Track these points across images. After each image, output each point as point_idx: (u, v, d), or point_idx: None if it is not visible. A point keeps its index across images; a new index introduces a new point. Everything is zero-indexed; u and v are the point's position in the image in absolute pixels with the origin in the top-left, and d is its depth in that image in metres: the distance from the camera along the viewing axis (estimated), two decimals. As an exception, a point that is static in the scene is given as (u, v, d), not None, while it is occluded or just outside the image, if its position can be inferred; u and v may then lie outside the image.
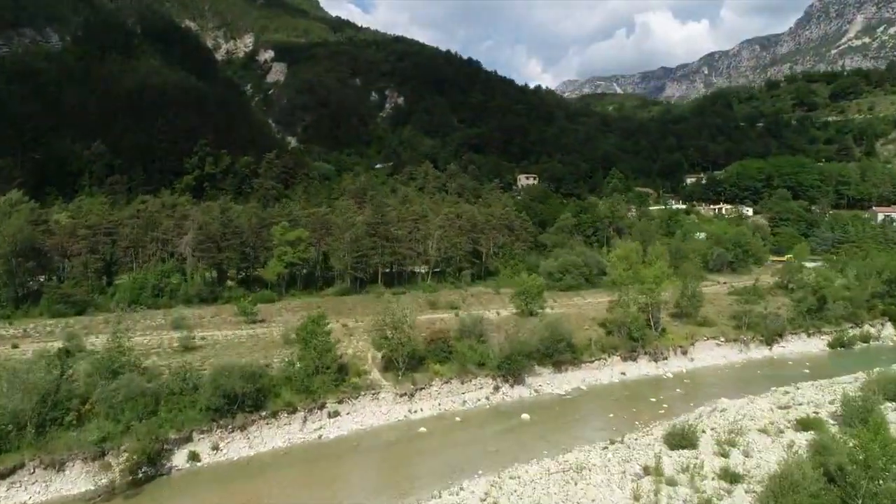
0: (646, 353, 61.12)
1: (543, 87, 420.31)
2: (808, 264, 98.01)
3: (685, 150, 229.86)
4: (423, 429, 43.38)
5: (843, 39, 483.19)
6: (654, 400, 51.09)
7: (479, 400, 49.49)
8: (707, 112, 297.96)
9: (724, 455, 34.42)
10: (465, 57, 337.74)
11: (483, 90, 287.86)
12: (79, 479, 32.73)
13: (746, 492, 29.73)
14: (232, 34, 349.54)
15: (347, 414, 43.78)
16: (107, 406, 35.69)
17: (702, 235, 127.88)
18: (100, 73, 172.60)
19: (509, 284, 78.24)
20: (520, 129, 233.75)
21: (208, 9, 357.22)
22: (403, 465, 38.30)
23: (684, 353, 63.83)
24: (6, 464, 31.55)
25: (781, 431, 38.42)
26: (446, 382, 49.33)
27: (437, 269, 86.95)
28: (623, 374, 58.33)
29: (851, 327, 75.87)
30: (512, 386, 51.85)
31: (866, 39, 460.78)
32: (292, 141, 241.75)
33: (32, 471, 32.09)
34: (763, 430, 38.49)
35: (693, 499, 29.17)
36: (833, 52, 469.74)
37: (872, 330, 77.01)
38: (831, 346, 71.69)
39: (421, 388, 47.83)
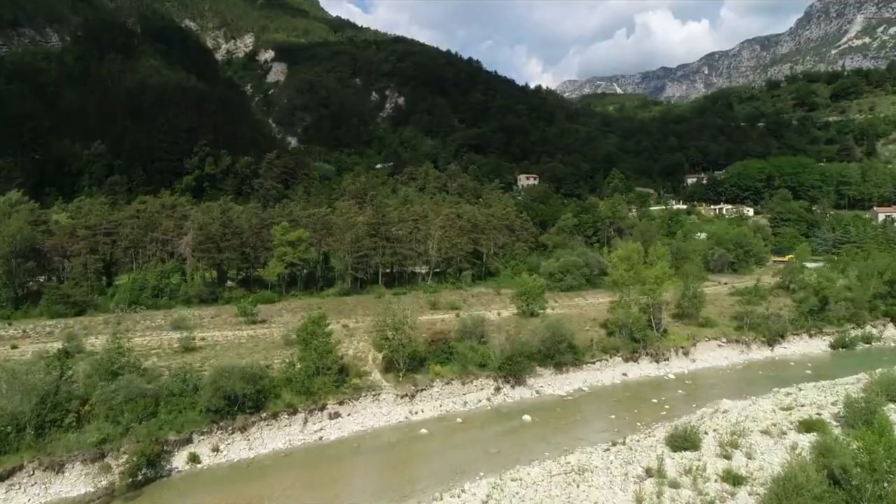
0: (647, 354, 60.96)
1: (544, 87, 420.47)
2: (810, 265, 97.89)
3: (686, 151, 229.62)
4: (424, 430, 43.19)
5: (844, 39, 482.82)
6: (655, 401, 50.87)
7: (480, 401, 49.31)
8: (708, 112, 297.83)
9: (727, 457, 34.16)
10: (465, 57, 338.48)
11: (484, 90, 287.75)
12: (78, 481, 32.54)
13: (750, 494, 29.50)
14: (232, 34, 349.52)
15: (348, 415, 43.59)
16: (106, 407, 35.53)
17: (702, 236, 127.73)
18: (99, 73, 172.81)
19: (510, 285, 78.14)
20: (520, 130, 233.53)
21: (208, 9, 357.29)
22: (404, 467, 38.07)
23: (686, 353, 63.65)
24: (5, 466, 31.38)
25: (784, 433, 38.14)
26: (447, 383, 49.16)
27: (438, 270, 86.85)
28: (624, 374, 58.15)
29: (853, 328, 75.64)
30: (513, 387, 51.67)
31: (866, 39, 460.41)
32: (292, 141, 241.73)
33: (31, 473, 31.91)
34: (765, 432, 38.23)
35: (696, 501, 28.94)
36: (833, 52, 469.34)
37: (874, 331, 76.76)
38: (833, 346, 71.50)
39: (422, 390, 47.65)
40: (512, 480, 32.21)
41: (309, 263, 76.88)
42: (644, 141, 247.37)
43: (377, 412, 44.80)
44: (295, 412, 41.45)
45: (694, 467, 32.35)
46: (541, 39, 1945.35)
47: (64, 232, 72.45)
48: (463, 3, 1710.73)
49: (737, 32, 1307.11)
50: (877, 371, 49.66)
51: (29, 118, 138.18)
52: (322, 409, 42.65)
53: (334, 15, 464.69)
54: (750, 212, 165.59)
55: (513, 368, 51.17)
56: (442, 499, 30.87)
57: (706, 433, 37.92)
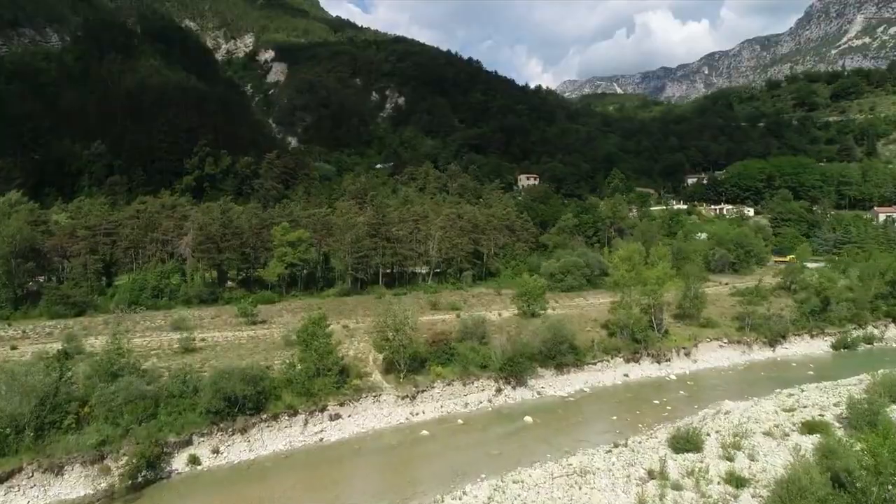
0: (648, 355, 60.81)
1: (544, 87, 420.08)
2: (810, 265, 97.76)
3: (686, 151, 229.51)
4: (425, 431, 43.02)
5: (844, 39, 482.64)
6: (657, 402, 50.71)
7: (481, 402, 49.15)
8: (708, 112, 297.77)
9: (730, 458, 34.01)
10: (465, 57, 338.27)
11: (484, 90, 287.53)
12: (78, 483, 32.35)
13: (753, 496, 29.34)
14: (232, 34, 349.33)
15: (349, 417, 43.43)
16: (106, 409, 35.35)
17: (703, 236, 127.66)
18: (99, 73, 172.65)
19: (511, 285, 78.00)
20: (521, 130, 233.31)
21: (208, 9, 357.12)
22: (405, 469, 37.92)
23: (687, 354, 63.49)
24: (4, 468, 31.19)
25: (787, 434, 38.00)
26: (448, 384, 48.99)
27: (438, 270, 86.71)
28: (626, 375, 57.98)
29: (855, 328, 75.53)
30: (514, 388, 51.50)
31: (867, 39, 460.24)
32: (293, 141, 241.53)
33: (31, 475, 31.72)
34: (768, 433, 38.10)
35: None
36: (833, 52, 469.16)
37: (876, 331, 76.61)
38: (835, 347, 71.35)
39: (423, 391, 47.48)
40: (513, 482, 32.06)
41: (309, 264, 76.74)
42: (644, 141, 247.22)
43: (378, 413, 44.63)
44: (295, 413, 41.28)
45: (696, 469, 32.19)
46: (541, 39, 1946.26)
47: (64, 232, 72.32)
48: (463, 3, 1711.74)
49: (737, 32, 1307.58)
50: (879, 372, 49.45)
51: (29, 118, 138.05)
52: (322, 410, 42.48)
53: (334, 15, 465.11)
54: (750, 212, 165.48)
55: (514, 369, 51.00)
56: (443, 501, 30.71)
57: (708, 435, 37.79)
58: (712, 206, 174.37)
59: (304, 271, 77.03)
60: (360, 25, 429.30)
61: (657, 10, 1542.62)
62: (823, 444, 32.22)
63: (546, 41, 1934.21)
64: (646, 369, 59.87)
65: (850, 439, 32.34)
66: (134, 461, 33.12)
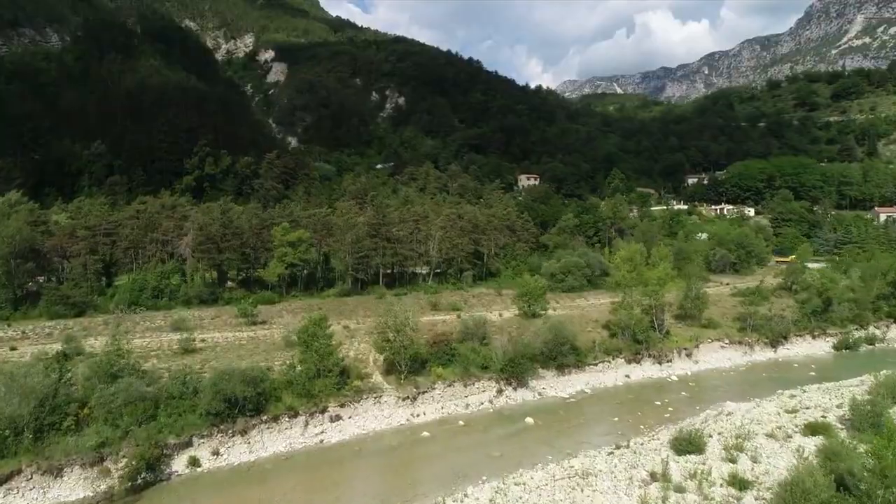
0: (650, 356, 60.67)
1: (544, 87, 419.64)
2: (812, 265, 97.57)
3: (686, 151, 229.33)
4: (425, 433, 42.87)
5: (844, 39, 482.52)
6: (659, 403, 50.56)
7: (482, 403, 48.99)
8: (708, 112, 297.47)
9: (732, 460, 33.84)
10: (465, 57, 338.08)
11: (484, 90, 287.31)
12: (77, 485, 32.21)
13: (756, 499, 29.16)
14: (232, 34, 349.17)
15: (349, 418, 43.27)
16: (105, 410, 35.19)
17: (704, 236, 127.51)
18: (99, 73, 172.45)
19: (511, 286, 77.84)
20: (521, 130, 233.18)
21: (208, 9, 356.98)
22: (406, 471, 37.77)
23: (689, 355, 63.32)
24: (3, 470, 31.04)
25: (789, 436, 37.82)
26: (449, 386, 48.83)
27: (439, 271, 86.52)
28: (627, 376, 57.82)
29: (856, 329, 75.38)
30: (515, 389, 51.33)
31: (867, 39, 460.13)
32: (293, 141, 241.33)
33: (30, 477, 31.58)
34: (771, 435, 37.92)
35: (702, 506, 28.63)
36: (833, 52, 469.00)
37: (877, 332, 76.49)
38: (836, 348, 71.21)
39: (423, 392, 47.33)
40: (515, 485, 31.89)
41: (309, 264, 76.58)
42: (644, 141, 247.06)
43: (378, 415, 44.48)
44: (296, 415, 41.14)
45: (699, 471, 32.02)
46: (541, 39, 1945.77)
47: (63, 232, 72.14)
48: (463, 3, 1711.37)
49: (737, 32, 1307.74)
50: (881, 373, 49.20)
51: (29, 118, 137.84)
52: (323, 411, 42.33)
53: (334, 15, 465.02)
54: (751, 212, 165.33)
55: (515, 370, 50.83)
56: (444, 503, 30.55)
57: (711, 436, 37.62)
58: (713, 207, 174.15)
59: (305, 271, 76.86)
60: (360, 25, 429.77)
61: (657, 10, 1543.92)
62: (826, 446, 32.08)
63: (546, 41, 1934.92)
64: (647, 370, 59.71)
65: (854, 441, 32.19)
66: (133, 463, 32.97)
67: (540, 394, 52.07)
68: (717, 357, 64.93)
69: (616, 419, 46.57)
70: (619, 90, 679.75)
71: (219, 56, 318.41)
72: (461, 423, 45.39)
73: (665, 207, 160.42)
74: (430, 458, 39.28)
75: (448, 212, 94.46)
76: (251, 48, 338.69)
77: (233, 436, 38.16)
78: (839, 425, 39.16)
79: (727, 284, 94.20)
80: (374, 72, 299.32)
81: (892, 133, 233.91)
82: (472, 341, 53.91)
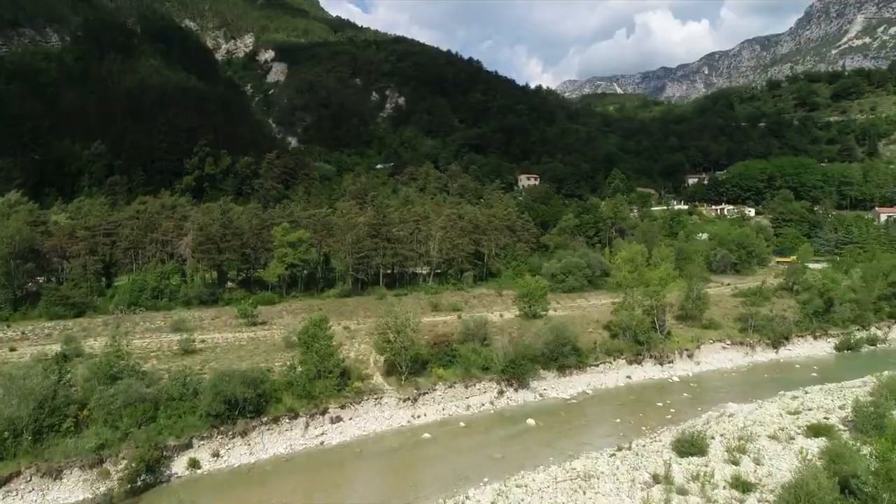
0: (651, 357, 60.50)
1: (544, 87, 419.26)
2: (813, 266, 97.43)
3: (687, 151, 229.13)
4: (426, 434, 42.70)
5: (844, 39, 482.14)
6: (660, 404, 50.41)
7: (483, 405, 48.82)
8: (708, 112, 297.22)
9: (735, 462, 33.67)
10: (465, 57, 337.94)
11: (484, 90, 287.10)
12: (76, 487, 32.04)
13: (759, 501, 28.99)
14: (232, 34, 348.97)
15: (350, 419, 43.10)
16: (105, 412, 35.03)
17: (704, 236, 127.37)
18: (99, 73, 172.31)
19: (512, 286, 77.68)
20: (521, 130, 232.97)
21: (208, 9, 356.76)
22: (407, 472, 37.61)
23: (690, 356, 63.15)
24: (2, 472, 30.87)
25: (792, 438, 37.65)
26: (450, 387, 48.64)
27: (439, 271, 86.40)
28: (628, 377, 57.64)
29: (858, 330, 75.20)
30: (516, 390, 51.15)
31: (867, 39, 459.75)
32: (293, 141, 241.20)
33: (29, 479, 31.40)
34: (773, 437, 37.75)
35: (705, 509, 28.47)
36: (833, 52, 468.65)
37: (879, 332, 76.32)
38: (838, 348, 71.05)
39: (424, 393, 47.14)
40: (517, 487, 31.73)
41: (309, 264, 76.46)
42: (644, 141, 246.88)
43: (379, 416, 44.30)
44: (296, 416, 40.96)
45: (702, 473, 31.86)
46: (541, 39, 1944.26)
47: (63, 233, 72.01)
48: (463, 3, 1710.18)
49: (737, 32, 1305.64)
50: (884, 374, 49.09)
51: (29, 118, 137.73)
52: (323, 413, 42.15)
53: (334, 15, 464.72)
54: (751, 212, 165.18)
55: (516, 371, 50.64)
56: (446, 506, 30.41)
57: (713, 438, 37.45)
58: (713, 207, 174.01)
59: (305, 272, 76.74)
60: (360, 25, 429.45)
61: (657, 10, 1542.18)
62: (830, 448, 31.90)
63: (546, 41, 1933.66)
64: (648, 371, 59.54)
65: (857, 443, 32.04)
66: (133, 465, 32.80)
67: (541, 395, 51.91)
68: (718, 358, 64.76)
69: (618, 420, 46.42)
70: (619, 90, 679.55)
71: (219, 56, 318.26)
72: (462, 424, 45.20)
73: (665, 207, 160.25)
74: (432, 459, 39.12)
75: (448, 212, 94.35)
76: (251, 48, 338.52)
77: (233, 437, 37.98)
78: (842, 427, 39.01)
79: (728, 285, 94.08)
80: (374, 72, 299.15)
81: (892, 133, 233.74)
82: (473, 342, 53.75)
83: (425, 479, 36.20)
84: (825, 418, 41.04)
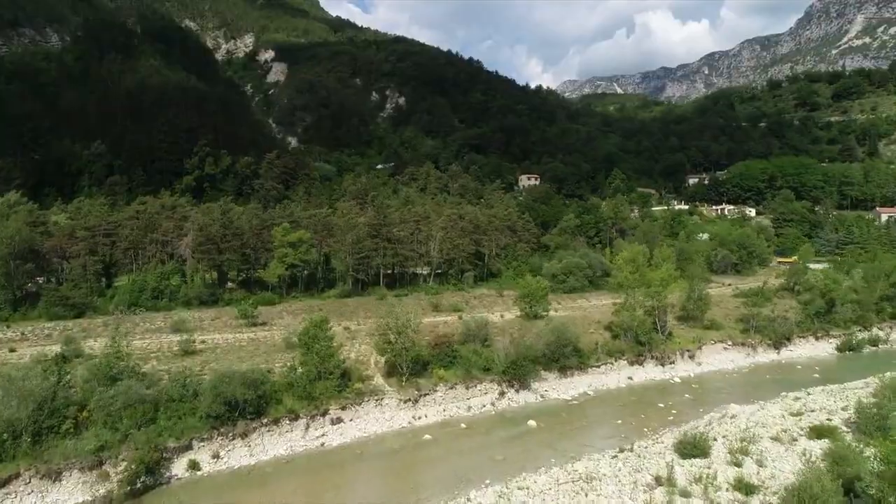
0: (653, 358, 60.30)
1: (544, 87, 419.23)
2: (814, 266, 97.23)
3: (687, 151, 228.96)
4: (427, 436, 42.52)
5: (844, 39, 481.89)
6: (662, 405, 50.23)
7: (484, 406, 48.64)
8: (709, 112, 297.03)
9: (738, 464, 33.51)
10: (465, 57, 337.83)
11: (484, 90, 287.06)
12: (76, 489, 31.84)
13: (762, 504, 28.87)
14: (232, 34, 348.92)
15: (350, 421, 42.93)
16: (105, 414, 34.85)
17: (705, 236, 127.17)
18: (99, 73, 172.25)
19: (512, 286, 77.53)
20: (521, 130, 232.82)
21: (208, 9, 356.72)
22: (408, 474, 37.44)
23: (691, 357, 62.97)
24: (1, 474, 30.67)
25: (795, 439, 37.49)
26: (451, 388, 48.45)
27: (440, 271, 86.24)
28: (630, 378, 57.43)
29: (860, 330, 74.99)
30: (517, 391, 50.96)
31: (867, 39, 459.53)
32: (293, 141, 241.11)
33: (28, 481, 31.21)
34: (776, 438, 37.59)
35: (708, 511, 28.31)
36: (834, 52, 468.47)
37: (881, 333, 76.07)
38: (840, 349, 70.83)
39: (425, 394, 46.97)
40: (518, 489, 31.57)
41: (310, 265, 76.29)
42: (645, 141, 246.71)
43: (380, 417, 44.13)
44: (296, 418, 40.79)
45: (704, 475, 31.69)
46: (541, 39, 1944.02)
47: (63, 233, 71.87)
48: (463, 3, 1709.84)
49: (737, 32, 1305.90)
50: (886, 375, 48.98)
51: (29, 118, 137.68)
52: (324, 414, 41.97)
53: (334, 15, 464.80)
54: (752, 212, 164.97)
55: (517, 372, 50.47)
56: (447, 508, 30.24)
57: (715, 439, 37.29)
58: (714, 207, 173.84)
59: (305, 272, 76.58)
60: (360, 25, 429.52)
61: (657, 10, 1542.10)
62: (833, 450, 31.75)
63: (546, 41, 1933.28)
64: (650, 372, 59.34)
65: (861, 445, 31.86)
66: (133, 467, 32.63)
67: (542, 396, 51.72)
68: (719, 359, 64.57)
69: (619, 422, 46.24)
70: (619, 90, 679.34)
71: (219, 56, 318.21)
72: (463, 425, 45.04)
73: (666, 208, 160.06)
74: (433, 461, 38.95)
75: (449, 212, 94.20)
76: (251, 48, 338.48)
77: (233, 439, 37.81)
78: (845, 428, 38.86)
79: (729, 285, 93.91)
80: (374, 72, 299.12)
81: (892, 133, 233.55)
82: (474, 343, 53.57)
83: (426, 480, 36.04)
84: (828, 420, 40.87)
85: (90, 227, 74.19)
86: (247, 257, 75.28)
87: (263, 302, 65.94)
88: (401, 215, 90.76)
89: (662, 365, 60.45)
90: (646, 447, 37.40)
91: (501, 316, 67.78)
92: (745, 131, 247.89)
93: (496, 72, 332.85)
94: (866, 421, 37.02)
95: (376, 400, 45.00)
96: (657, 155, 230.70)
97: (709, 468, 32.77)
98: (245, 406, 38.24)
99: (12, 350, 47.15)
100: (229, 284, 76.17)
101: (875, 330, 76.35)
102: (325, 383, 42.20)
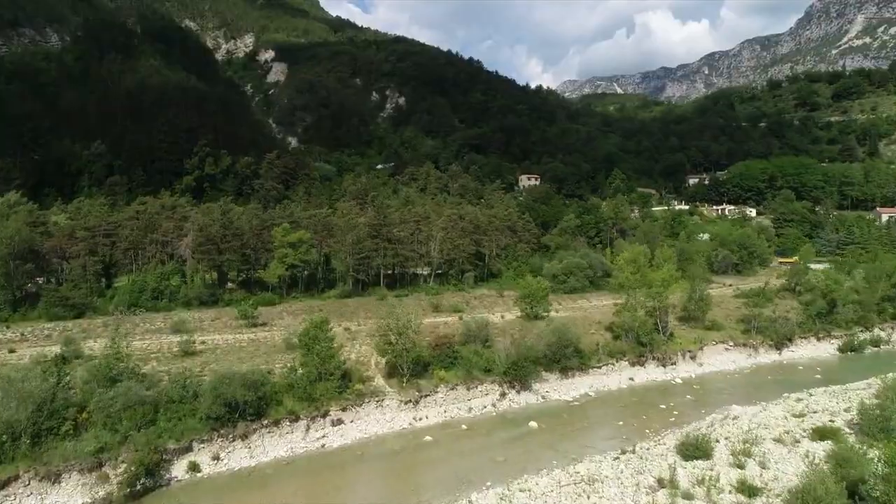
0: (654, 358, 60.17)
1: (544, 87, 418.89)
2: (814, 266, 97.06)
3: (687, 151, 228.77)
4: (428, 437, 42.40)
5: (844, 39, 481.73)
6: (663, 407, 50.09)
7: (485, 407, 48.50)
8: (709, 112, 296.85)
9: (740, 466, 33.36)
10: (465, 57, 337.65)
11: (484, 90, 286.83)
12: (75, 491, 31.73)
13: (766, 506, 28.70)
14: (232, 34, 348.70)
15: (351, 422, 42.79)
16: (104, 415, 34.72)
17: (705, 237, 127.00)
18: (99, 73, 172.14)
19: (513, 287, 77.37)
20: (521, 130, 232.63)
21: (208, 9, 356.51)
22: (409, 475, 37.30)
23: (693, 357, 62.84)
24: (0, 476, 30.55)
25: (797, 441, 37.35)
26: (452, 389, 48.31)
27: (440, 271, 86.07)
28: (631, 379, 57.30)
29: (861, 331, 74.85)
30: (518, 392, 50.83)
31: (867, 39, 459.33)
32: (293, 141, 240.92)
33: (27, 483, 31.10)
34: (778, 440, 37.44)
35: (711, 513, 28.16)
36: (834, 52, 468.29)
37: (883, 334, 75.98)
38: (841, 350, 70.72)
39: (426, 395, 46.83)
40: (520, 491, 31.43)
41: (310, 265, 76.14)
42: (645, 141, 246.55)
43: (381, 419, 44.00)
44: (297, 419, 40.66)
45: (707, 477, 31.55)
46: (541, 39, 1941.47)
47: (63, 233, 71.71)
48: (463, 3, 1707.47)
49: (737, 32, 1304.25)
50: (888, 376, 48.76)
51: (29, 118, 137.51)
52: (324, 415, 41.84)
53: (334, 15, 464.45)
54: (752, 212, 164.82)
55: (518, 373, 50.35)
56: (449, 510, 30.09)
57: (717, 441, 37.15)
58: (714, 207, 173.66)
59: (305, 273, 76.43)
60: (360, 25, 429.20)
61: (657, 10, 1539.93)
62: (836, 452, 31.58)
63: (546, 41, 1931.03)
64: (651, 373, 59.20)
65: (864, 447, 31.70)
66: (133, 468, 32.48)
67: (543, 397, 51.58)
68: (721, 359, 64.44)
69: (621, 423, 46.11)
70: (619, 90, 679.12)
71: (219, 56, 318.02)
72: (464, 426, 44.92)
73: (666, 208, 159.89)
74: (433, 462, 38.82)
75: (449, 212, 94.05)
76: (251, 48, 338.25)
77: (233, 440, 37.68)
78: (848, 430, 38.70)
79: (730, 286, 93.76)
80: (374, 72, 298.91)
81: (893, 133, 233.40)
82: (475, 344, 53.41)
83: (427, 482, 35.91)
84: (830, 421, 40.73)
85: (90, 227, 74.03)
86: (247, 258, 75.13)
87: (263, 302, 65.79)
88: (401, 215, 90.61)
89: (664, 366, 60.31)
90: (648, 449, 37.25)
91: (502, 316, 67.63)
92: (745, 131, 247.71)
93: (496, 72, 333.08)
94: (869, 422, 36.86)
95: (377, 401, 44.87)
96: (657, 155, 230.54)
97: (711, 470, 32.62)
98: (245, 407, 38.12)
99: (12, 351, 47.00)
100: (229, 285, 76.01)
101: (876, 330, 76.24)
102: (326, 384, 42.07)
